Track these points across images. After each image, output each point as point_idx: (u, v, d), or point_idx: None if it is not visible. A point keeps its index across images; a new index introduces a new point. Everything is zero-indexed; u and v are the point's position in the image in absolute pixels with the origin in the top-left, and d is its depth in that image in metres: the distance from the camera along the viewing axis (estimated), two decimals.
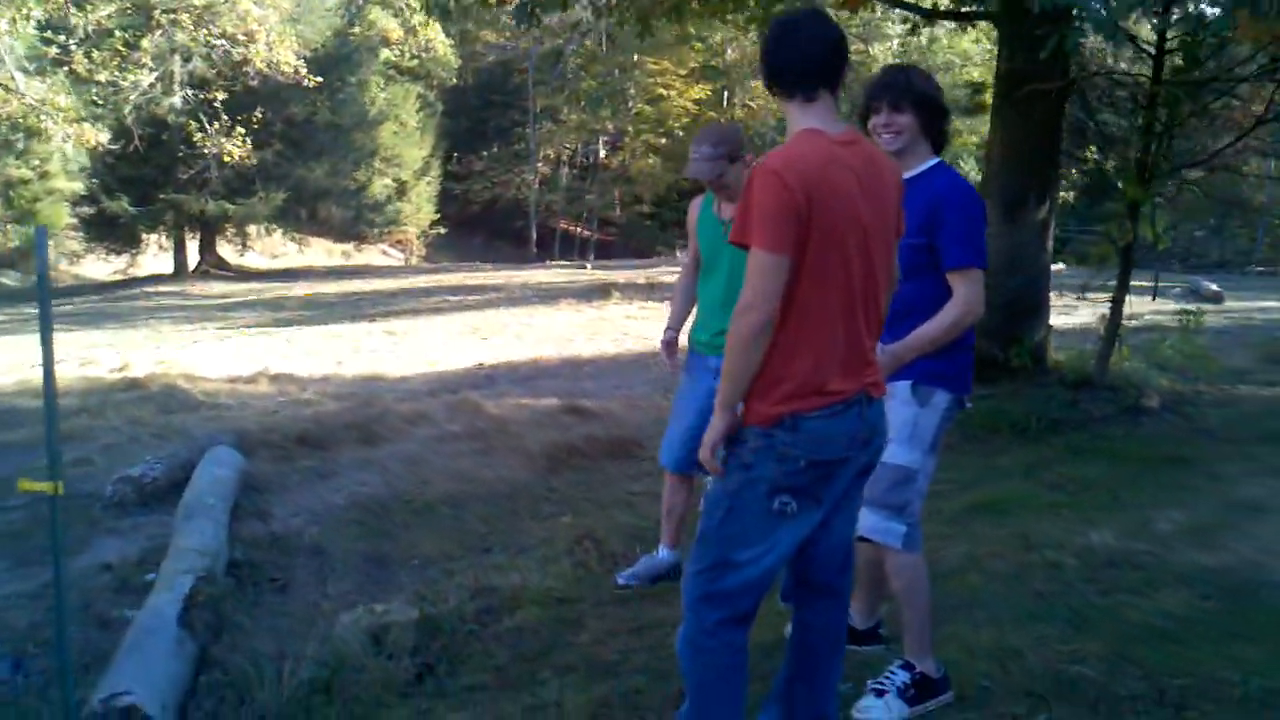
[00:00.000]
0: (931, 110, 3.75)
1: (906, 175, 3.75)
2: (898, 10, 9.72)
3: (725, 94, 52.13)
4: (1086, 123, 8.50)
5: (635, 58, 48.65)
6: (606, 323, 16.28)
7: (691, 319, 5.14)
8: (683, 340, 5.19)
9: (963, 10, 9.26)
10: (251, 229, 34.14)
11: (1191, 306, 11.85)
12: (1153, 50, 7.76)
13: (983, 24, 9.30)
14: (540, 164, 49.53)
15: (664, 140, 49.24)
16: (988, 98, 13.23)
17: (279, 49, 26.49)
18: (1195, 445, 7.35)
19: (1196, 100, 7.80)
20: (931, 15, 9.29)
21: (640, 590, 5.01)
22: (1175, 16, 7.30)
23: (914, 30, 12.19)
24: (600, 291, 19.88)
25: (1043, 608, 4.64)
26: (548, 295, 20.39)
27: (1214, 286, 16.59)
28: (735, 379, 2.94)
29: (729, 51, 51.26)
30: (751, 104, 50.51)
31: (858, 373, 3.03)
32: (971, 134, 48.15)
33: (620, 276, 23.19)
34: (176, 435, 8.47)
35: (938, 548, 5.43)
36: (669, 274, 23.92)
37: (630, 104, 49.84)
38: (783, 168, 2.84)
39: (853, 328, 3.00)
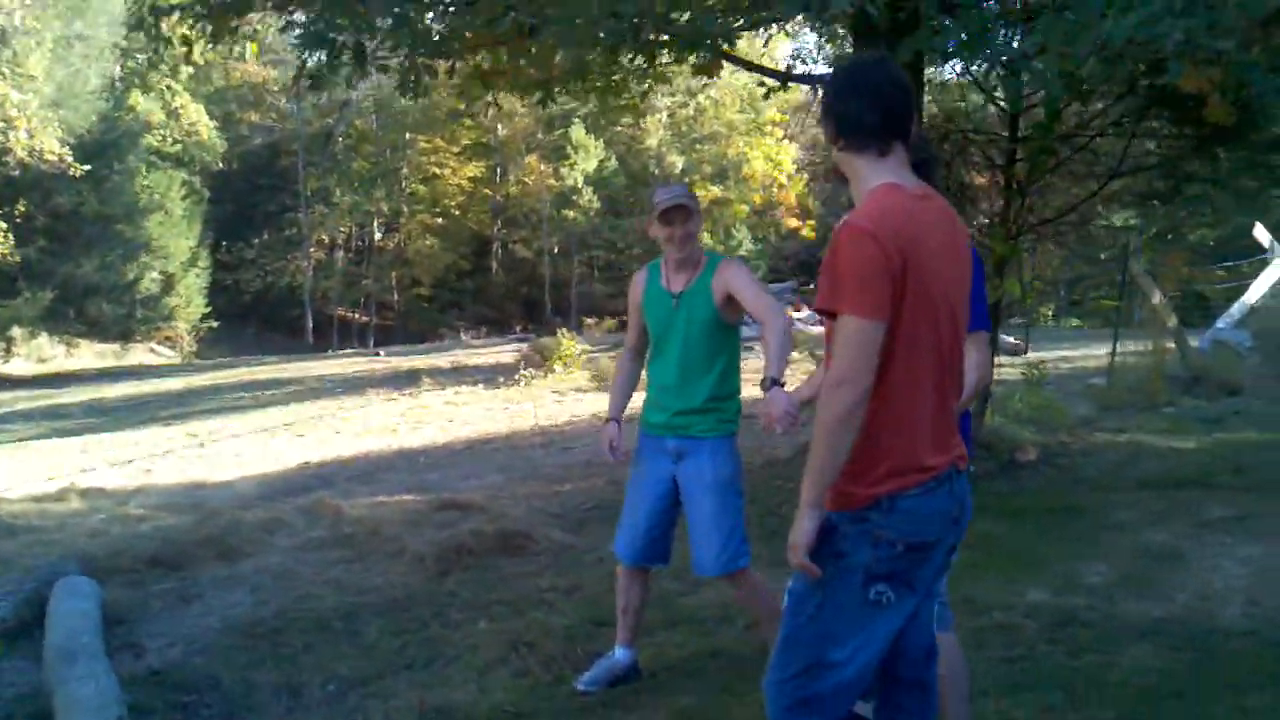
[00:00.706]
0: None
1: None
2: (750, 73, 9.74)
3: (499, 171, 52.23)
4: (944, 182, 8.62)
5: (407, 136, 48.30)
6: (426, 410, 15.78)
7: (638, 403, 4.88)
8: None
9: (816, 74, 9.35)
10: (16, 332, 31.99)
11: (1028, 358, 12.22)
12: (1006, 107, 7.95)
13: None
14: (314, 249, 48.48)
15: (439, 220, 48.95)
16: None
17: (41, 136, 25.00)
18: (1081, 495, 7.47)
19: (1055, 154, 8.04)
20: (787, 79, 9.34)
21: (602, 695, 4.66)
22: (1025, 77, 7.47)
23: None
24: (408, 379, 19.33)
25: (1025, 675, 4.54)
26: (351, 385, 19.71)
27: (1012, 339, 17.19)
28: (828, 465, 2.68)
29: (500, 129, 51.44)
30: (526, 180, 50.73)
31: (947, 445, 2.83)
32: (741, 202, 49.78)
33: (420, 362, 22.66)
34: (2, 566, 7.64)
35: None
36: (473, 356, 23.52)
37: (404, 184, 49.37)
38: (874, 226, 2.62)
39: (941, 396, 2.80)
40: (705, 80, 10.99)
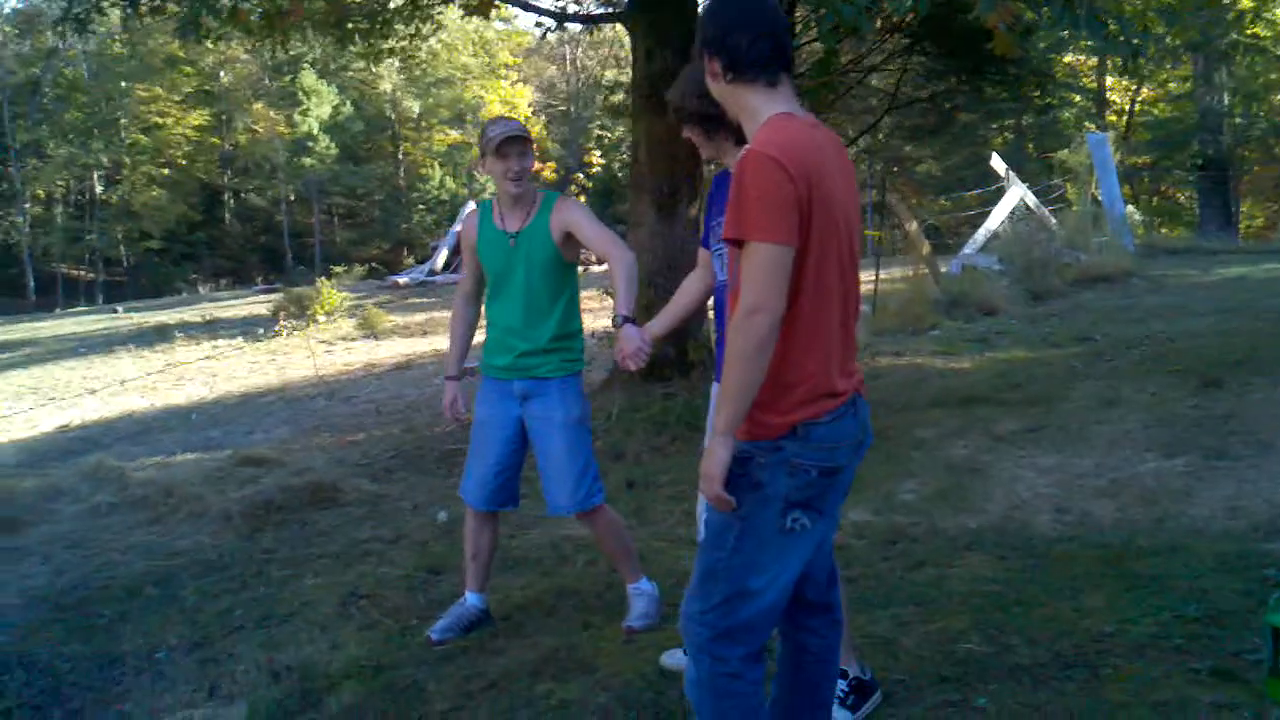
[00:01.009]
0: (696, 117, 3.66)
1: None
2: (527, 12, 9.61)
3: (225, 119, 50.17)
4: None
5: (124, 85, 45.80)
6: (186, 366, 15.09)
7: (478, 346, 4.76)
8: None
9: (595, 13, 9.30)
10: None
11: None
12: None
13: (619, 27, 9.37)
14: (30, 204, 45.49)
15: (165, 170, 46.72)
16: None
17: None
18: (879, 417, 7.71)
19: (834, 90, 8.24)
20: (563, 19, 9.26)
21: (460, 643, 4.57)
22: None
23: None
24: (157, 335, 18.44)
25: (871, 593, 4.70)
26: (96, 345, 18.62)
27: None
28: (742, 394, 2.66)
29: (224, 75, 49.39)
30: (256, 128, 48.94)
31: (851, 370, 2.87)
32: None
33: (167, 317, 21.63)
34: None
35: None
36: (224, 309, 22.60)
37: (123, 134, 46.81)
38: (779, 153, 2.59)
39: (845, 322, 2.83)
40: (435, 26, 10.74)
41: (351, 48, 9.55)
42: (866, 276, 14.94)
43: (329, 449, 8.64)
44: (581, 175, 49.72)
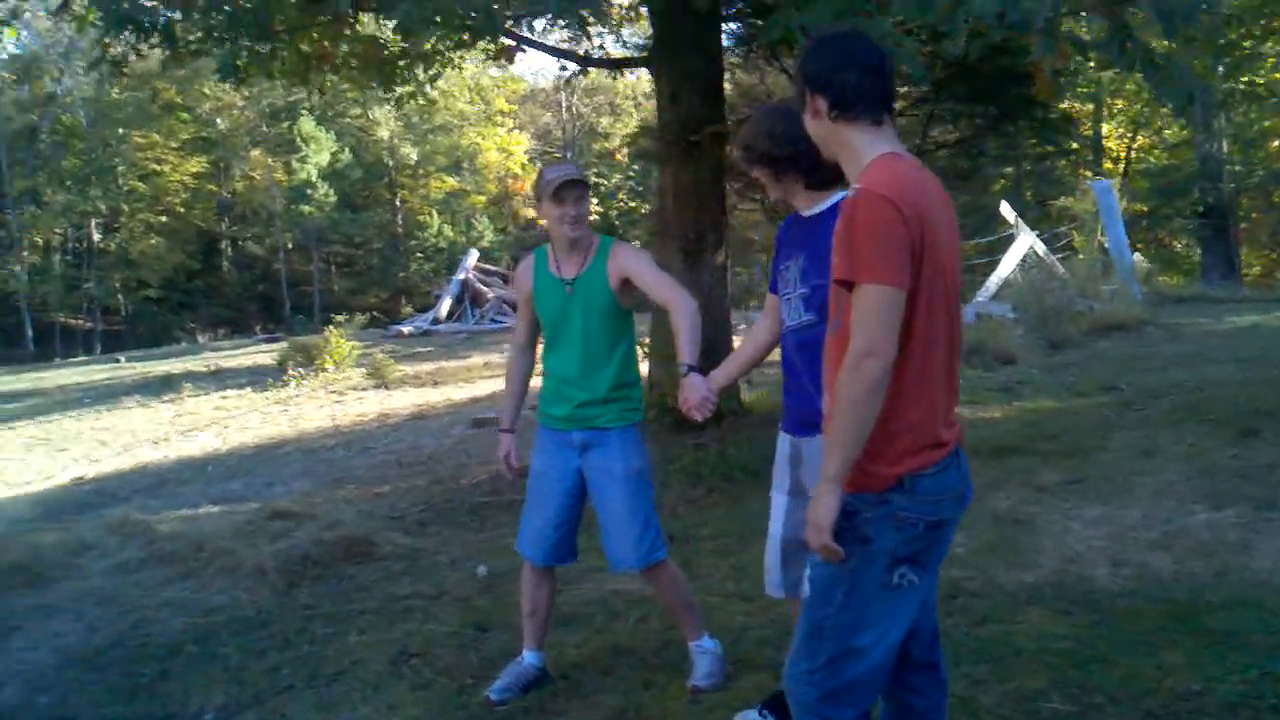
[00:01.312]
0: (766, 158, 3.64)
1: (812, 211, 3.65)
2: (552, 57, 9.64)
3: (222, 166, 50.28)
4: None
5: (121, 131, 45.93)
6: (196, 416, 14.98)
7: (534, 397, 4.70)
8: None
9: (620, 58, 9.29)
10: None
11: None
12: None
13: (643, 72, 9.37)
14: (27, 252, 45.42)
15: (163, 218, 46.76)
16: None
17: None
18: None
19: None
20: (587, 63, 9.26)
21: (520, 703, 4.47)
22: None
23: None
24: (164, 385, 18.32)
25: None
26: (102, 395, 18.49)
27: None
28: (854, 441, 2.60)
29: (220, 121, 49.52)
30: (254, 175, 49.04)
31: (952, 420, 2.82)
32: (478, 193, 49.49)
33: (172, 367, 21.52)
34: None
35: (780, 603, 5.29)
36: (227, 358, 22.51)
37: (121, 181, 46.86)
38: (891, 193, 2.56)
39: (950, 370, 2.78)
40: (454, 69, 10.75)
41: (396, 89, 9.52)
42: None
43: (355, 501, 8.55)
44: None
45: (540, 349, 4.61)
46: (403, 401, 14.57)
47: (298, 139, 46.36)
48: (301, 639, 5.58)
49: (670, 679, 4.56)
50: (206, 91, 44.58)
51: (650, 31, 8.13)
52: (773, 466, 3.97)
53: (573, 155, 54.05)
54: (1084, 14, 4.87)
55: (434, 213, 49.40)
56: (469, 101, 49.86)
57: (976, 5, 4.72)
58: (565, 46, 9.40)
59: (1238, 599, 4.81)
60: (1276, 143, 29.61)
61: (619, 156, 51.27)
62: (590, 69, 9.57)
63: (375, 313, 38.14)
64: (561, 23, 6.00)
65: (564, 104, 56.13)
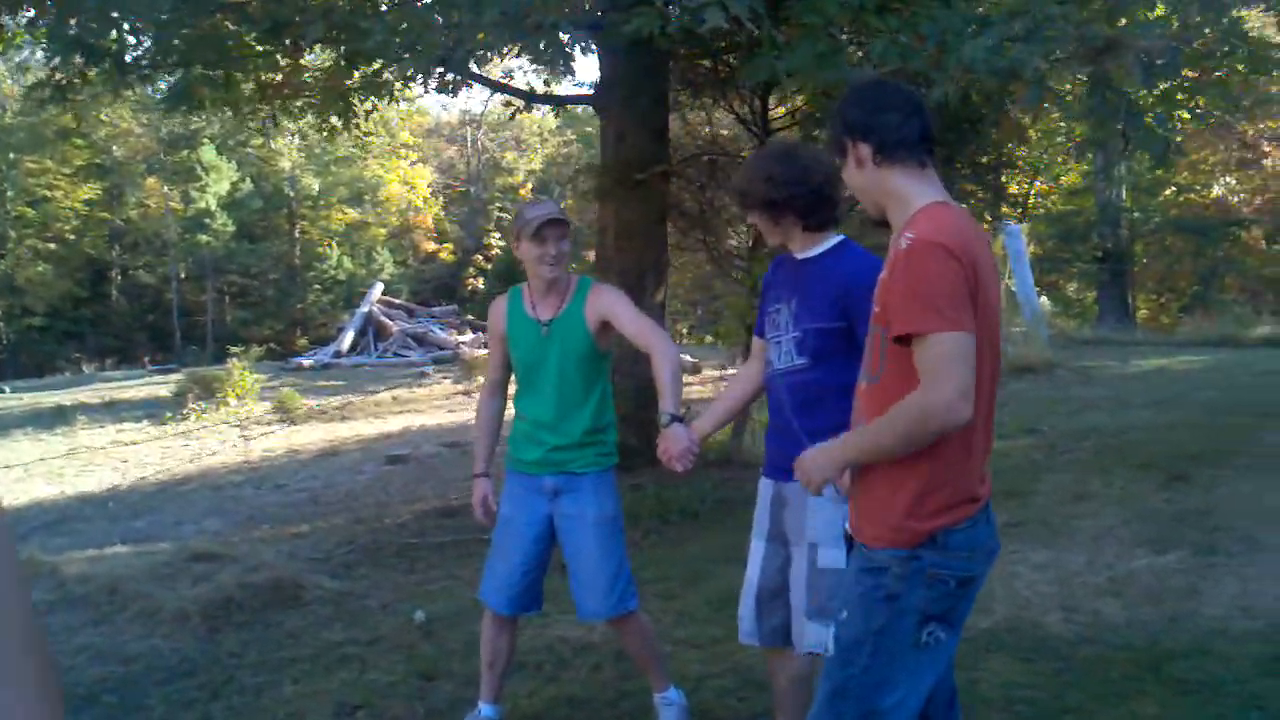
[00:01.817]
0: (764, 201, 3.57)
1: (806, 255, 3.59)
2: (498, 92, 9.49)
3: (116, 193, 49.04)
4: (704, 204, 8.66)
5: (11, 156, 44.61)
6: (92, 451, 14.43)
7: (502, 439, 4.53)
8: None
9: (568, 95, 9.18)
10: None
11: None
12: (756, 127, 8.07)
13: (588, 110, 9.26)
14: None
15: (52, 245, 45.40)
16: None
17: None
18: None
19: None
20: (533, 99, 9.13)
21: None
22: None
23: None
24: (56, 416, 17.63)
25: None
26: None
27: (688, 358, 17.62)
28: (875, 456, 2.60)
29: (116, 148, 48.37)
30: (147, 203, 47.92)
31: (986, 474, 2.73)
32: (380, 226, 48.98)
33: (62, 398, 20.78)
34: None
35: (732, 650, 5.18)
36: (122, 390, 21.81)
37: (9, 207, 45.44)
38: (950, 241, 2.47)
39: (989, 424, 2.70)
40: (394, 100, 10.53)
41: (356, 120, 9.33)
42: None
43: (274, 542, 8.23)
44: (480, 258, 49.59)
45: (512, 390, 4.44)
46: (311, 436, 14.22)
47: (199, 168, 45.43)
48: (230, 689, 5.30)
49: None
50: (104, 118, 43.50)
51: (598, 70, 8.05)
52: (754, 511, 3.87)
53: (476, 190, 53.77)
54: (1062, 64, 4.87)
55: (334, 244, 48.71)
56: (371, 133, 49.32)
57: (966, 54, 4.69)
58: (508, 82, 9.25)
59: (1197, 647, 4.79)
60: (1168, 190, 30.49)
61: (523, 192, 51.15)
62: (535, 105, 9.46)
63: (271, 344, 37.42)
64: (528, 56, 5.88)
65: (469, 138, 55.80)
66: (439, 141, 57.87)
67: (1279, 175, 31.42)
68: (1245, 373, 13.31)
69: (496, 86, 9.13)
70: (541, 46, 5.10)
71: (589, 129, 53.70)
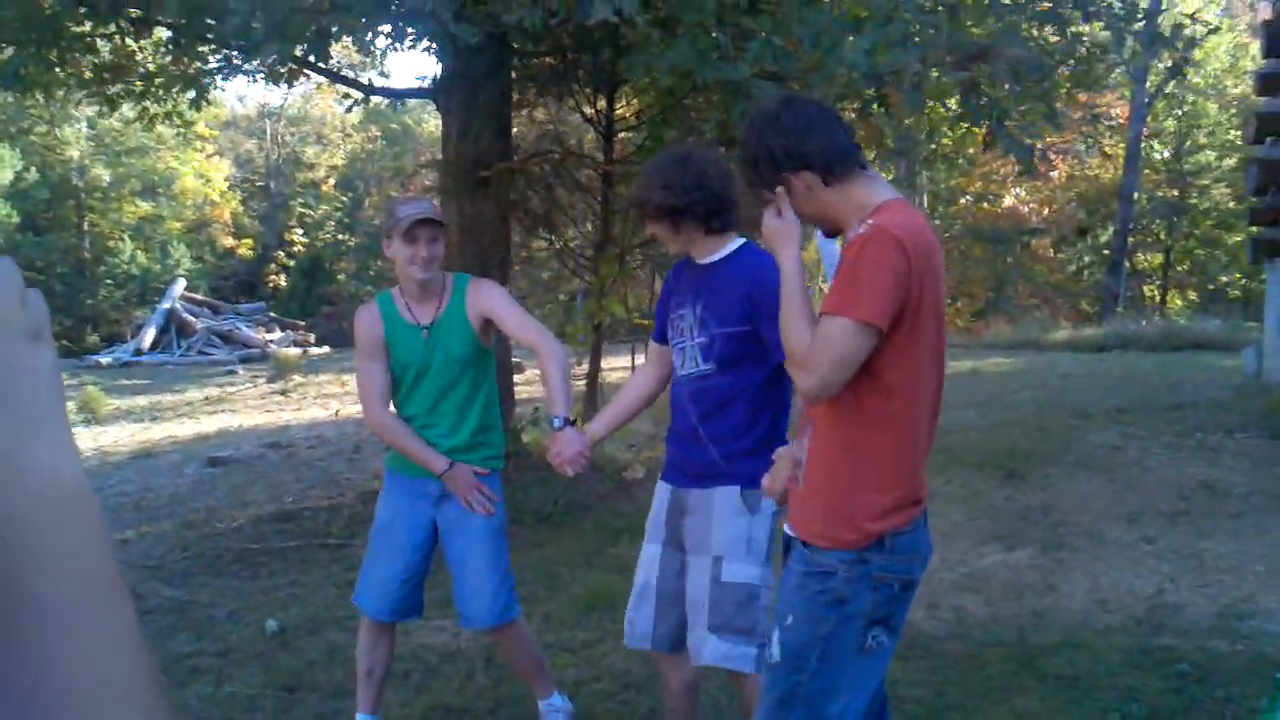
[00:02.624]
0: (672, 211, 3.51)
1: (708, 259, 3.54)
2: (335, 84, 9.16)
3: None
4: (549, 203, 8.53)
5: None
6: None
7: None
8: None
9: (405, 88, 8.90)
10: None
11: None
12: (600, 126, 8.01)
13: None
14: None
15: None
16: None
17: None
18: None
19: None
20: (371, 92, 8.84)
21: None
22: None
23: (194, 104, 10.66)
24: None
25: None
26: None
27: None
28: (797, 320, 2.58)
29: None
30: None
31: (924, 477, 2.72)
32: (175, 219, 47.25)
33: None
34: None
35: (605, 654, 5.12)
36: None
37: None
38: (906, 238, 2.45)
39: (932, 424, 2.68)
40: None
41: (201, 107, 8.90)
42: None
43: None
44: (282, 254, 48.31)
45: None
46: (119, 437, 13.54)
47: None
48: None
49: None
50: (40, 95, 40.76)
51: (438, 66, 7.83)
52: (647, 517, 3.79)
53: (277, 185, 52.35)
54: (938, 68, 4.95)
55: (126, 238, 46.71)
56: (166, 124, 47.48)
57: (848, 56, 4.71)
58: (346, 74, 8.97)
59: (1066, 641, 4.93)
60: (964, 199, 31.71)
61: (325, 187, 50.05)
62: (373, 98, 9.17)
63: (61, 341, 35.68)
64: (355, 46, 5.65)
65: (267, 132, 54.27)
66: (236, 134, 56.10)
67: (1065, 187, 33.03)
68: (1052, 375, 13.88)
69: (336, 78, 8.82)
70: (409, 32, 4.92)
71: (394, 125, 53.09)
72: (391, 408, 4.16)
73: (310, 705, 4.75)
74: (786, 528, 2.78)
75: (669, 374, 3.74)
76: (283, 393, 17.20)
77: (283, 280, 46.90)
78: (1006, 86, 5.37)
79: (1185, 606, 5.36)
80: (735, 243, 3.57)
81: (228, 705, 4.79)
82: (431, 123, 48.79)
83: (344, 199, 49.37)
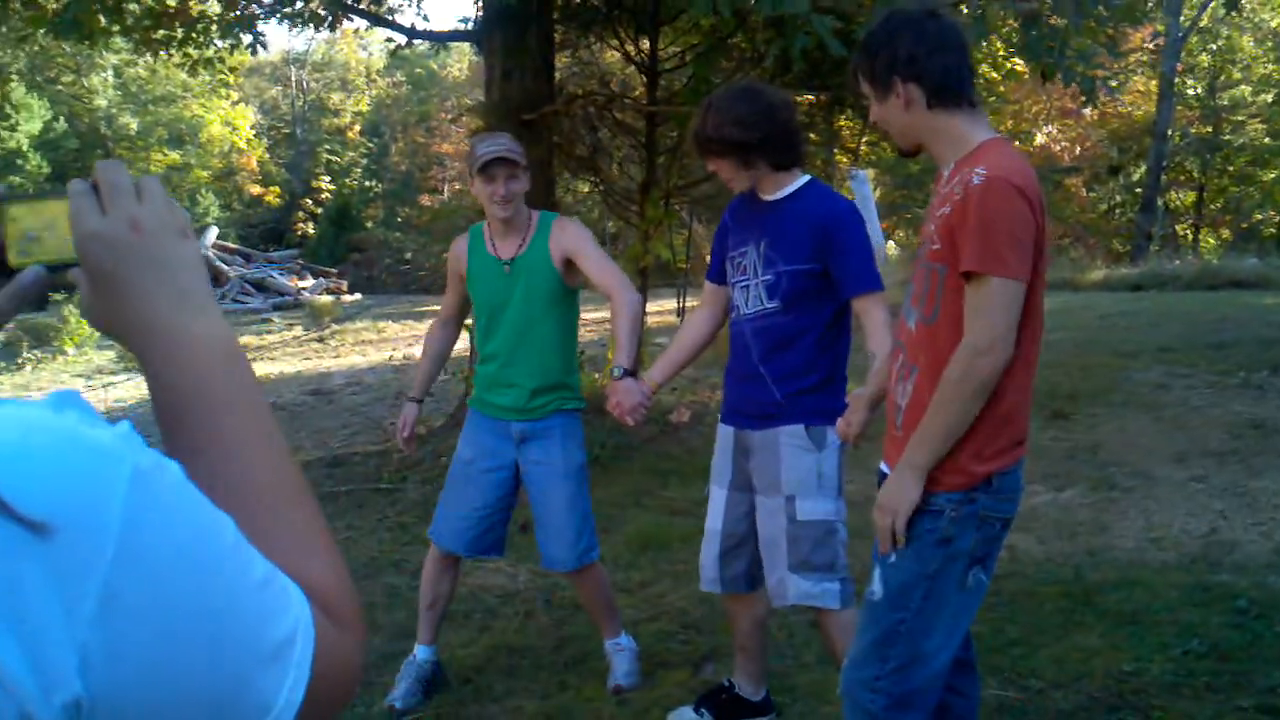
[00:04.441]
0: (739, 147, 3.48)
1: (774, 196, 3.52)
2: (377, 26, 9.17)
3: None
4: (593, 145, 8.51)
5: None
6: None
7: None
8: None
9: (447, 31, 8.87)
10: None
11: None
12: (644, 67, 7.97)
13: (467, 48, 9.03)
14: None
15: None
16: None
17: None
18: None
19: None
20: (414, 35, 8.82)
21: (430, 712, 4.17)
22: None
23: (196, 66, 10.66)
24: None
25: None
26: None
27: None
28: (951, 436, 2.50)
29: None
30: None
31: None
32: (202, 168, 47.32)
33: None
34: None
35: (661, 593, 5.18)
36: None
37: None
38: (1021, 182, 2.43)
39: (1036, 366, 2.69)
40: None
41: (168, 54, 8.91)
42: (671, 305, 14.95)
43: None
44: (310, 201, 48.36)
45: (474, 329, 4.29)
46: None
47: (7, 106, 43.03)
48: None
49: (583, 680, 4.34)
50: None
51: (479, 7, 7.78)
52: (711, 459, 3.81)
53: (303, 132, 52.28)
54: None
55: None
56: (193, 72, 47.41)
57: None
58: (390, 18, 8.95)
59: (1123, 579, 4.96)
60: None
61: (352, 134, 49.96)
62: (416, 41, 9.14)
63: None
64: None
65: (292, 78, 54.14)
66: (259, 81, 55.95)
67: (1097, 125, 32.64)
68: (1091, 315, 13.81)
69: (378, 21, 8.79)
70: None
71: (419, 70, 52.83)
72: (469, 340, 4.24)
73: (375, 647, 4.81)
74: (883, 466, 2.79)
75: (725, 314, 3.75)
76: (320, 340, 17.29)
77: (310, 228, 46.91)
78: (1065, 21, 5.34)
79: (1240, 544, 5.37)
80: (801, 179, 3.55)
81: None
82: (455, 67, 48.63)
83: (370, 145, 49.24)
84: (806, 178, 3.57)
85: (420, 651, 4.32)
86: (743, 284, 3.56)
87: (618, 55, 9.07)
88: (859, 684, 2.67)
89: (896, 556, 2.60)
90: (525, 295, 4.02)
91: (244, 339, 17.84)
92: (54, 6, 7.32)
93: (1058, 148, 33.28)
